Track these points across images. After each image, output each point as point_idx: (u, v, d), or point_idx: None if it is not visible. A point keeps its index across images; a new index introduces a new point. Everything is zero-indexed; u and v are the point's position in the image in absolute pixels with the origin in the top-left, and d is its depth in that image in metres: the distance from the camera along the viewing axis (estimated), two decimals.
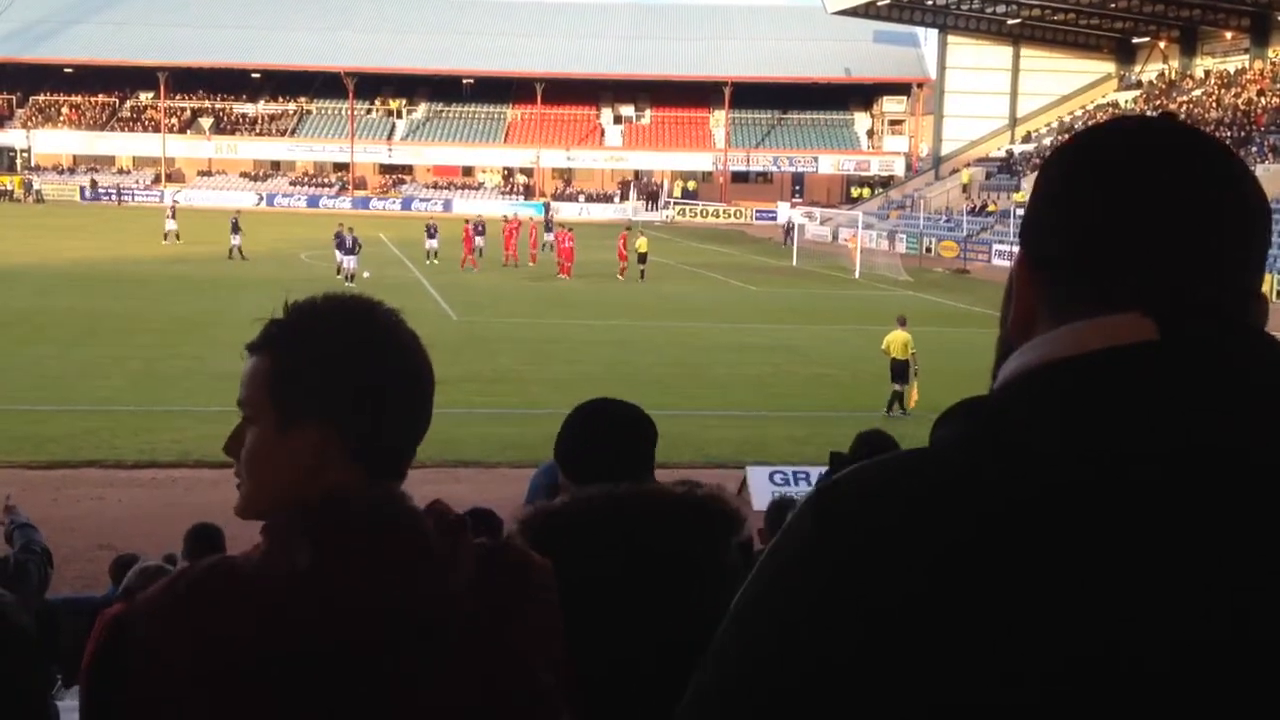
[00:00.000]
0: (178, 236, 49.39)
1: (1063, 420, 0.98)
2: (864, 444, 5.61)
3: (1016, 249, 1.15)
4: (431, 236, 45.76)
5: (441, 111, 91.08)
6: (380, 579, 1.58)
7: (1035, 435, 0.98)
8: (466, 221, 46.90)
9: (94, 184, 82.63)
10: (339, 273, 36.25)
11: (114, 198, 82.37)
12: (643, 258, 40.83)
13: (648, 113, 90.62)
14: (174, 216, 51.03)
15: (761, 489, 13.05)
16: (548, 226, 53.36)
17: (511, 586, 1.70)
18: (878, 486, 1.00)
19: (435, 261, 43.57)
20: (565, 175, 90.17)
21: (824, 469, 13.95)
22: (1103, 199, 1.06)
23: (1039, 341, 1.06)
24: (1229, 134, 54.26)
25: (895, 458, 1.02)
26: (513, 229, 45.83)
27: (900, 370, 19.01)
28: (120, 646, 1.56)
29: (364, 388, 1.63)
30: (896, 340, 19.19)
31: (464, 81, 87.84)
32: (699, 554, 2.51)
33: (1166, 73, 69.79)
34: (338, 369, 1.62)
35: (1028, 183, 65.70)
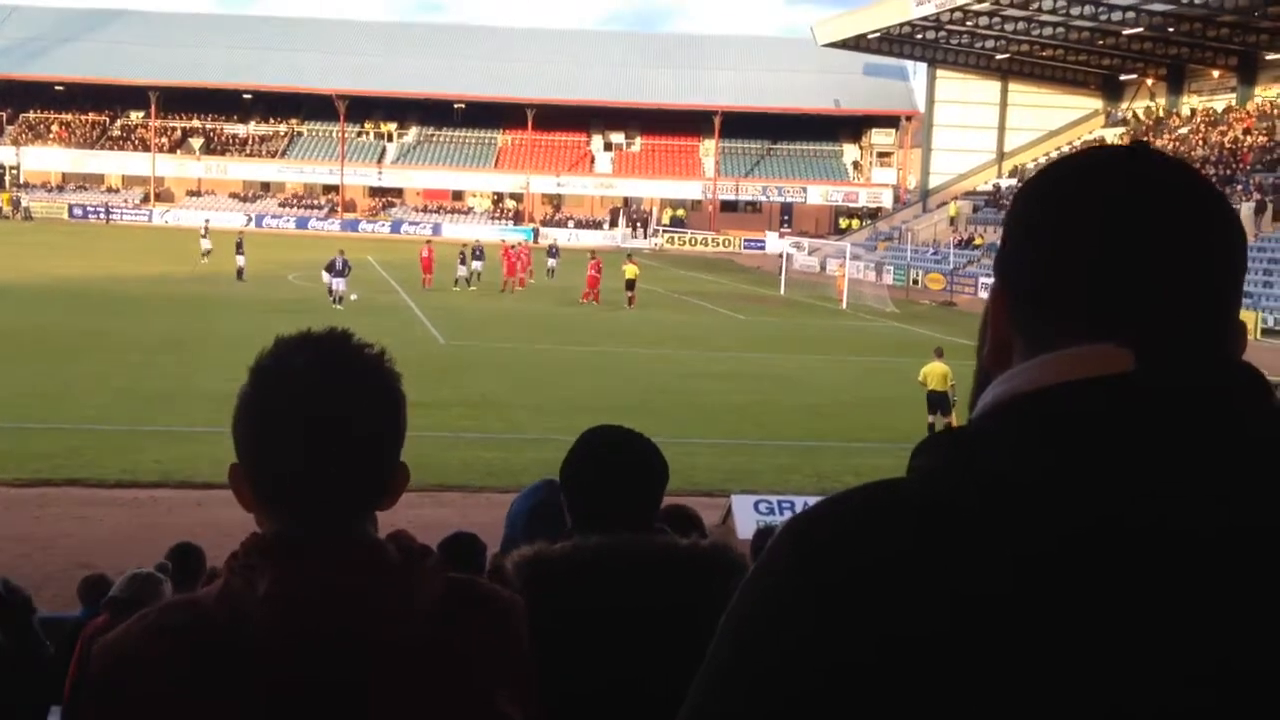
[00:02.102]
0: (207, 255, 49.52)
1: (1039, 453, 0.97)
2: None
3: (992, 279, 1.15)
4: (478, 258, 46.41)
5: (432, 135, 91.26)
6: (338, 602, 1.60)
7: (1012, 467, 0.97)
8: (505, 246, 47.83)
9: (27, 212, 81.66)
10: (330, 294, 36.22)
11: (102, 216, 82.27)
12: (630, 284, 40.89)
13: (638, 140, 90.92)
14: (207, 235, 51.41)
15: (746, 517, 13.04)
16: (552, 252, 53.46)
17: (477, 618, 1.70)
18: (856, 517, 0.99)
19: (458, 288, 43.84)
20: (555, 201, 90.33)
21: (809, 498, 13.97)
22: (1079, 229, 1.05)
23: (1016, 371, 1.06)
24: (1215, 172, 54.58)
25: (873, 488, 1.01)
26: (520, 254, 45.98)
27: (939, 401, 18.98)
28: (92, 682, 1.60)
29: (256, 435, 1.66)
30: (935, 372, 19.15)
31: (455, 106, 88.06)
32: (702, 607, 2.49)
33: (1153, 110, 70.27)
34: (238, 419, 1.67)
35: None
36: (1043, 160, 73.71)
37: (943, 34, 70.06)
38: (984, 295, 46.45)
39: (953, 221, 70.60)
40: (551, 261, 51.97)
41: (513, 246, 49.04)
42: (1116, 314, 1.03)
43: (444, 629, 1.65)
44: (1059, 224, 1.07)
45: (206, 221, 57.90)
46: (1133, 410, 0.98)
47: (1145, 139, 66.47)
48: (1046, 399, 1.01)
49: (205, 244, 50.59)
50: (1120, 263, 1.03)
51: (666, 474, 2.73)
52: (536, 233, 78.01)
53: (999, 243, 1.16)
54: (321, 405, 1.62)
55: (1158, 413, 0.98)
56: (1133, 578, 0.92)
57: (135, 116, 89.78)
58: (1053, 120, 75.33)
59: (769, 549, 1.01)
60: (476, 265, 46.67)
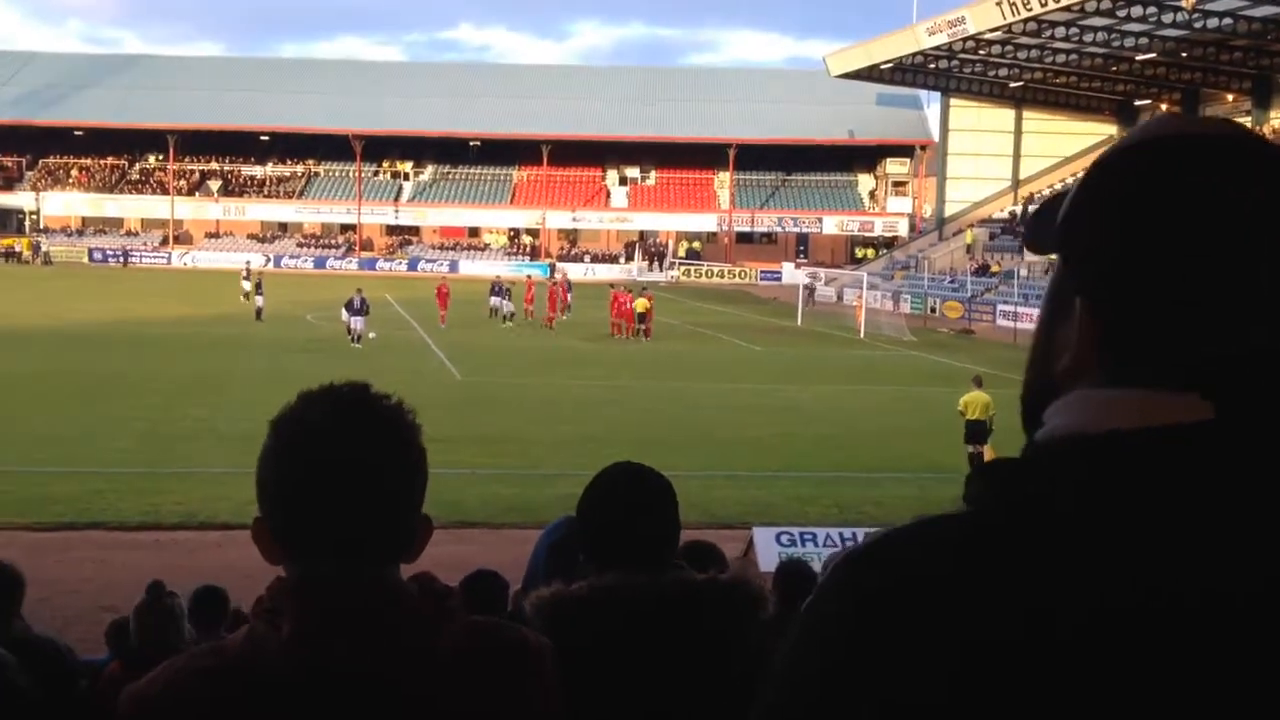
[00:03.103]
0: (250, 297, 49.97)
1: (1100, 497, 0.90)
2: None
3: (1076, 289, 1.00)
4: (499, 295, 46.64)
5: (448, 173, 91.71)
6: (361, 645, 1.60)
7: (1067, 506, 0.91)
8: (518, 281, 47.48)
9: (47, 256, 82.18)
10: (349, 333, 36.36)
11: (120, 259, 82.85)
12: (642, 318, 40.98)
13: (653, 174, 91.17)
14: (249, 277, 52.12)
15: (768, 550, 12.97)
16: (568, 286, 53.74)
17: (503, 661, 1.70)
18: (906, 537, 0.94)
19: (509, 324, 44.18)
20: (571, 236, 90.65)
21: (830, 529, 13.91)
22: (1178, 240, 0.93)
23: (1085, 403, 0.96)
24: None
25: (936, 524, 0.95)
26: (559, 289, 46.44)
27: (978, 431, 18.73)
28: None
29: (276, 484, 1.68)
30: (977, 401, 18.88)
31: (470, 144, 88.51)
32: (722, 641, 2.48)
33: None
34: (261, 472, 1.70)
35: None
36: (1059, 187, 73.62)
37: (955, 63, 70.19)
38: (1002, 323, 45.53)
39: (969, 249, 70.54)
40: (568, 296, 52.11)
41: (554, 283, 49.15)
42: (1203, 341, 0.93)
43: (468, 672, 1.66)
44: (1156, 232, 0.94)
45: (248, 264, 58.60)
46: (1214, 466, 0.90)
47: None
48: (1116, 446, 0.92)
49: (247, 285, 51.39)
50: (1229, 285, 0.92)
51: (675, 504, 2.74)
52: (553, 268, 78.20)
53: (1070, 219, 1.01)
54: (342, 458, 1.64)
55: (1241, 468, 0.90)
56: (1205, 628, 0.86)
57: (153, 160, 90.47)
58: (1068, 146, 75.30)
59: (824, 587, 0.97)
60: (496, 301, 47.00)
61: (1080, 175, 1.03)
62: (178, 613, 5.73)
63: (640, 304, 41.22)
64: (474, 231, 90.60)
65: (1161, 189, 0.95)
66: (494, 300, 47.11)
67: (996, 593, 0.88)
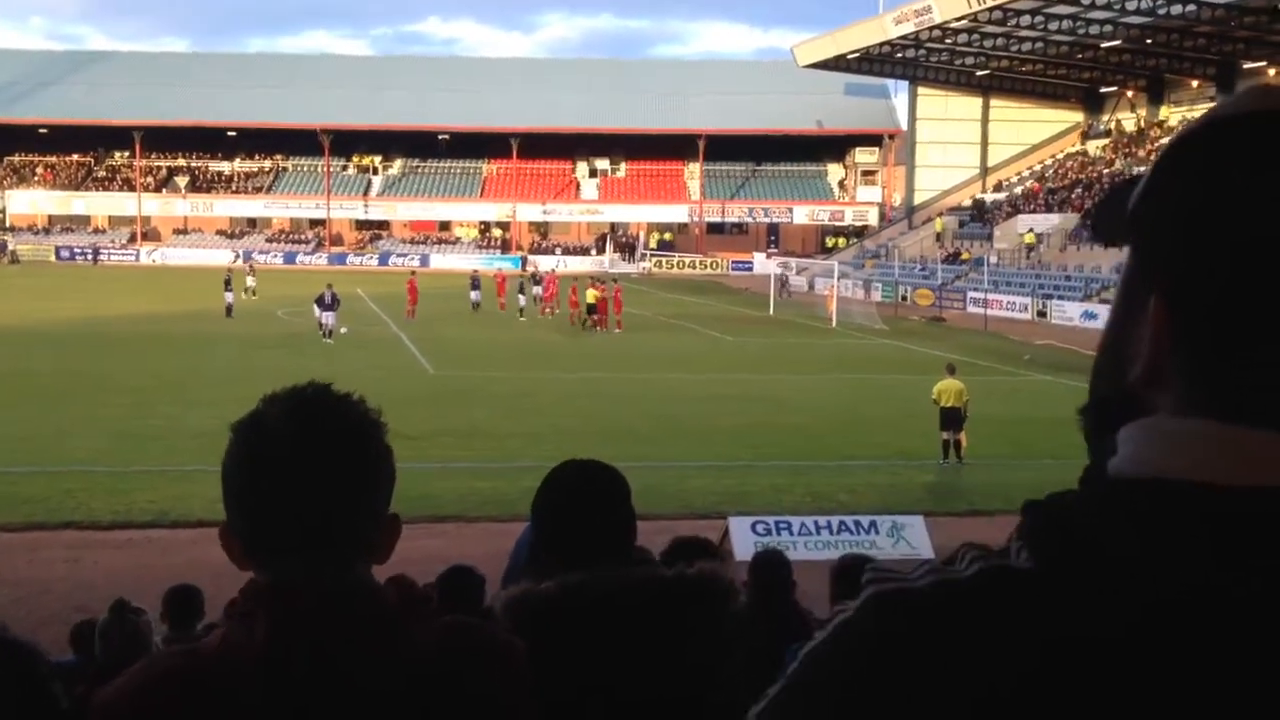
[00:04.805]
0: (254, 293, 50.06)
1: (1172, 563, 0.77)
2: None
3: (1150, 281, 0.85)
4: (478, 289, 47.19)
5: (418, 167, 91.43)
6: (334, 650, 1.60)
7: (1150, 580, 0.77)
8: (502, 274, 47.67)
9: (14, 255, 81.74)
10: (320, 328, 36.23)
11: (89, 257, 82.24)
12: (592, 309, 41.13)
13: (623, 166, 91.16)
14: (253, 273, 52.16)
15: (744, 539, 13.02)
16: (535, 279, 53.82)
17: (477, 663, 1.71)
18: (956, 614, 0.80)
19: (524, 319, 44.35)
20: (541, 229, 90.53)
21: (805, 518, 13.95)
22: (1268, 230, 0.77)
23: (1159, 437, 0.82)
24: None
25: (980, 570, 0.82)
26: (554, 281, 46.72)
27: (952, 418, 18.85)
28: None
29: (238, 488, 1.68)
30: (950, 389, 19.02)
31: (440, 137, 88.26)
32: (694, 636, 2.48)
33: (1136, 121, 70.61)
34: (224, 476, 1.70)
35: (1000, 230, 66.20)
36: (1026, 174, 74.05)
37: (922, 52, 70.42)
38: (972, 309, 45.42)
39: (939, 237, 70.82)
40: (536, 289, 52.12)
41: (550, 275, 49.43)
42: None
43: (441, 672, 1.66)
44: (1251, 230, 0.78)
45: (251, 260, 58.43)
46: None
47: (1127, 150, 66.79)
48: (1192, 502, 0.78)
49: (250, 281, 51.41)
50: None
51: (627, 494, 2.74)
52: (524, 260, 78.14)
53: (1146, 200, 0.86)
54: (301, 460, 1.64)
55: None
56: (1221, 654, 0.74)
57: (120, 157, 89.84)
58: (1035, 134, 75.72)
59: (849, 612, 0.86)
60: (476, 296, 47.22)
61: (1161, 150, 0.88)
62: (144, 631, 5.69)
63: (591, 294, 41.48)
64: (444, 225, 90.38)
65: (1253, 169, 0.79)
66: (474, 295, 47.38)
67: (1044, 650, 0.77)
